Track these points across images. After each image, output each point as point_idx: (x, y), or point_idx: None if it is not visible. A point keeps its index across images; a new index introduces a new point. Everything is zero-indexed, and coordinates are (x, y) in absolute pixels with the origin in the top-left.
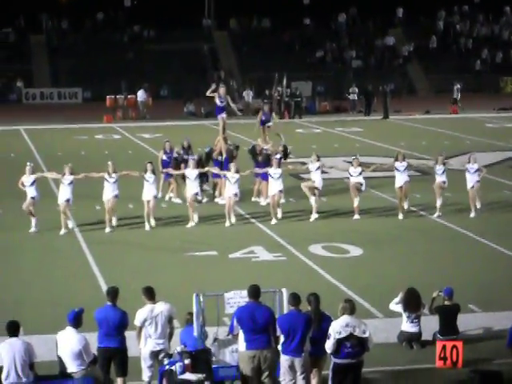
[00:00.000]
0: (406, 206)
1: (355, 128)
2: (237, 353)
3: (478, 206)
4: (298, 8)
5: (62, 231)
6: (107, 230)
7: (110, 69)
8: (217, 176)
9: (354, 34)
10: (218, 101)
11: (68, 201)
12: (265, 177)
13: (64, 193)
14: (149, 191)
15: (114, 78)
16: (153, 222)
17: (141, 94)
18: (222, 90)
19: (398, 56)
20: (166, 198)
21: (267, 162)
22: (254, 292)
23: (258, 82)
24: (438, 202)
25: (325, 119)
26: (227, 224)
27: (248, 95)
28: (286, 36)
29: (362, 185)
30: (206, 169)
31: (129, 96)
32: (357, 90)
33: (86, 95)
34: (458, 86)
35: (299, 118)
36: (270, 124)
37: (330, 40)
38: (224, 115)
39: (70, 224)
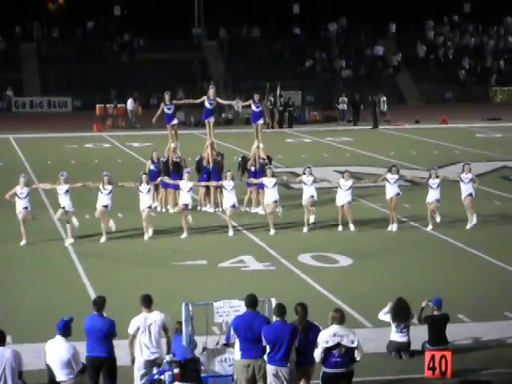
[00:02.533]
0: (395, 219)
1: (345, 138)
2: (226, 362)
3: (474, 221)
4: (287, 17)
5: (67, 242)
6: (103, 239)
7: (100, 78)
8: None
9: (344, 43)
10: (207, 103)
11: (64, 208)
12: (261, 186)
13: (62, 202)
14: (144, 202)
15: (103, 87)
16: (150, 232)
17: (130, 104)
18: (211, 90)
19: (388, 66)
20: (153, 206)
21: (263, 172)
22: (252, 301)
23: (247, 91)
24: (436, 217)
25: (314, 129)
26: (230, 234)
27: (237, 104)
28: (275, 45)
29: (350, 203)
30: (203, 183)
31: (119, 105)
32: (346, 100)
33: (75, 104)
34: (384, 99)
35: (289, 128)
36: (260, 122)
37: (319, 49)
38: (212, 119)
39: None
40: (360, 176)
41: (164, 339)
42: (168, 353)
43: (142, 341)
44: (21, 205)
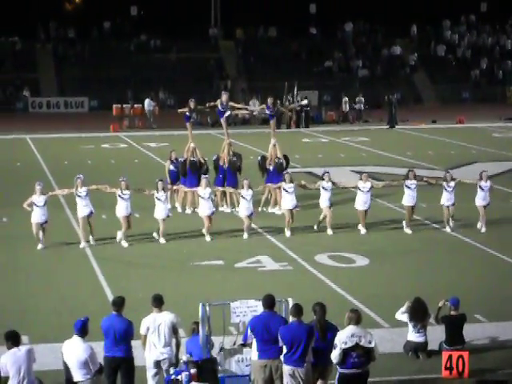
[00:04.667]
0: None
1: (361, 138)
2: (243, 362)
3: (483, 230)
4: (304, 17)
5: (82, 244)
6: (125, 245)
7: (117, 78)
8: (220, 184)
9: (361, 43)
10: (220, 106)
11: (91, 214)
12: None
13: (82, 206)
14: (161, 210)
15: (120, 87)
16: (162, 240)
17: (148, 103)
18: (224, 97)
19: (405, 66)
20: (179, 209)
21: (280, 172)
22: (269, 302)
23: (264, 91)
24: (450, 220)
25: (331, 128)
26: (245, 236)
27: (254, 104)
28: (292, 45)
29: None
30: (221, 189)
31: (135, 105)
32: (363, 100)
33: (92, 104)
34: (346, 99)
35: (306, 128)
36: (272, 121)
37: (336, 49)
38: (228, 113)
39: (91, 239)
40: (378, 177)
41: (175, 340)
42: (177, 354)
43: (151, 341)
44: (38, 214)
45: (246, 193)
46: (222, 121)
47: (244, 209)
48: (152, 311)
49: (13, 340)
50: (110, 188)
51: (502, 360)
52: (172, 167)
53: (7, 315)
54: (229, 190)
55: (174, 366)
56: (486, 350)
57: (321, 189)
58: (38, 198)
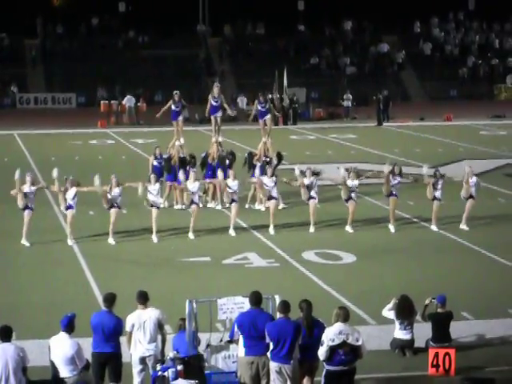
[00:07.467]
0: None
1: (349, 135)
2: (229, 359)
3: (465, 228)
4: (292, 14)
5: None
6: (111, 241)
7: (105, 74)
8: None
9: (349, 40)
10: (212, 100)
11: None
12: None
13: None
14: (153, 203)
15: (108, 84)
16: (155, 238)
17: (128, 100)
18: (216, 88)
19: (393, 63)
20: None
21: (264, 170)
22: (256, 298)
23: (252, 87)
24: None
25: (319, 126)
26: (232, 233)
27: (242, 101)
28: (280, 42)
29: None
30: (208, 181)
31: (123, 101)
32: (351, 97)
33: (80, 100)
34: (350, 96)
35: (294, 125)
36: (267, 117)
37: (324, 46)
38: (219, 114)
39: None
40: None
41: (160, 336)
42: (163, 350)
43: (136, 337)
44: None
45: (232, 183)
46: (213, 117)
47: (228, 197)
48: (137, 308)
49: (2, 334)
50: (100, 189)
51: (489, 358)
52: (156, 163)
53: None
54: (215, 181)
55: (160, 363)
56: (473, 348)
57: (302, 186)
58: (28, 189)
